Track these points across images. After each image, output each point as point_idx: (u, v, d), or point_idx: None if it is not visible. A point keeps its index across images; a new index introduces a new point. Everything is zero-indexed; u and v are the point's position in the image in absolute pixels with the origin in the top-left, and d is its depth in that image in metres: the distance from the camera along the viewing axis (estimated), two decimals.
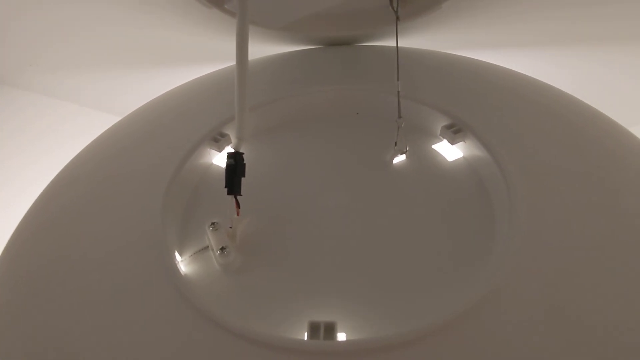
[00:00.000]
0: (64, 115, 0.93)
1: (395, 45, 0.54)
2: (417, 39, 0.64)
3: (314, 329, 0.34)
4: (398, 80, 0.51)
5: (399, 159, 0.51)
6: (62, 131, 0.91)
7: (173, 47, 0.73)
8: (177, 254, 0.43)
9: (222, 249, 0.42)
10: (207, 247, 0.43)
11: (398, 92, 0.51)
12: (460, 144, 0.50)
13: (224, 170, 0.43)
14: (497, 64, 0.60)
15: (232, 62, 0.68)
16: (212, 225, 0.44)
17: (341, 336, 0.35)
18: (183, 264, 0.43)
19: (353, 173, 0.50)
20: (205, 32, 0.65)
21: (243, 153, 0.44)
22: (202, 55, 0.74)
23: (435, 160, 0.51)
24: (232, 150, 0.44)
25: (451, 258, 0.41)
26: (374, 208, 0.47)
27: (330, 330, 0.34)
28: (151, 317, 0.36)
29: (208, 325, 0.34)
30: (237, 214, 0.44)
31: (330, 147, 0.54)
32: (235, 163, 0.43)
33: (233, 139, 0.53)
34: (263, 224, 0.46)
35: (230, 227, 0.43)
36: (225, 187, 0.43)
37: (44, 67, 0.84)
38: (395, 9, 0.53)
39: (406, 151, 0.51)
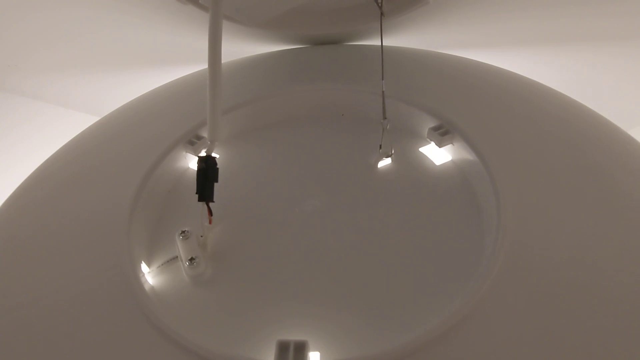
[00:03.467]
0: (48, 117, 0.91)
1: (385, 43, 0.51)
2: (403, 38, 0.62)
3: (282, 349, 0.31)
4: (382, 79, 0.48)
5: (384, 162, 0.49)
6: (46, 133, 0.89)
7: (155, 48, 0.71)
8: (144, 265, 0.40)
9: (192, 259, 0.39)
10: (177, 257, 0.41)
11: (382, 92, 0.48)
12: (448, 146, 0.48)
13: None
14: (486, 62, 0.58)
15: None
16: (182, 234, 0.41)
17: (314, 356, 0.32)
18: (150, 275, 0.40)
19: (335, 177, 0.48)
20: (183, 31, 0.63)
21: (216, 157, 0.42)
22: (185, 55, 0.71)
23: (423, 164, 0.48)
24: (204, 154, 0.41)
25: (438, 266, 0.38)
26: (356, 215, 0.44)
27: (300, 350, 0.31)
28: (111, 335, 0.34)
29: (169, 345, 0.32)
30: (210, 222, 0.41)
31: (312, 149, 0.51)
32: (207, 167, 0.41)
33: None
34: (237, 232, 0.43)
35: (202, 236, 0.41)
36: (196, 193, 0.41)
37: (28, 70, 0.82)
38: (380, 4, 0.50)
39: (391, 154, 0.48)
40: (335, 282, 0.39)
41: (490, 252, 0.36)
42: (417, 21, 0.57)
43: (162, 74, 0.73)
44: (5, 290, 0.39)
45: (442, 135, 0.47)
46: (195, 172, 0.41)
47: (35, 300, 0.37)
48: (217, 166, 0.41)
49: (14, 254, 0.42)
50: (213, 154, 0.41)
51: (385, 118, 0.48)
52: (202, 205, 0.41)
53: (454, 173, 0.47)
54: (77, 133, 0.60)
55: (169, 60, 0.74)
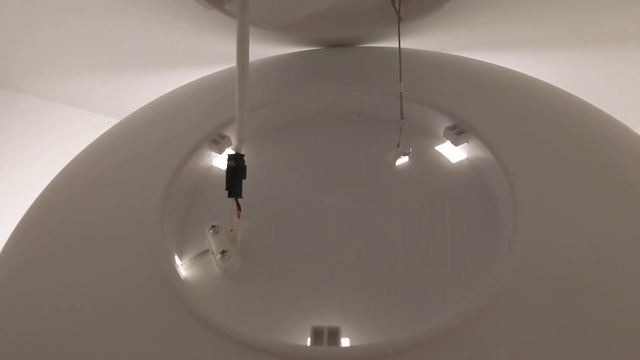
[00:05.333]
0: (65, 118, 0.93)
1: (397, 46, 0.53)
2: (418, 41, 0.64)
3: (317, 335, 0.33)
4: (400, 81, 0.50)
5: (402, 160, 0.51)
6: (64, 134, 0.91)
7: (174, 50, 0.72)
8: (176, 258, 0.42)
9: (223, 252, 0.41)
10: (207, 250, 0.43)
11: (400, 93, 0.50)
12: (464, 145, 0.50)
13: (224, 173, 0.43)
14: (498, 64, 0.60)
15: (232, 63, 0.68)
16: (213, 229, 0.43)
17: (345, 341, 0.34)
18: (182, 267, 0.42)
19: (353, 175, 0.50)
20: (206, 34, 0.65)
21: (244, 155, 0.44)
22: (203, 57, 0.73)
23: (439, 162, 0.50)
24: (233, 152, 0.43)
25: (456, 261, 0.40)
26: (377, 210, 0.46)
27: (334, 335, 0.33)
28: (149, 324, 0.35)
29: (208, 332, 0.33)
30: (238, 217, 0.43)
31: (330, 149, 0.53)
32: (236, 165, 0.43)
33: (233, 141, 0.52)
34: (264, 226, 0.45)
35: (231, 230, 0.43)
36: (226, 190, 0.43)
37: (48, 72, 0.84)
38: (397, 9, 0.52)
39: (409, 153, 0.50)
40: (357, 274, 0.41)
41: (508, 246, 0.37)
42: (432, 25, 0.59)
43: (177, 76, 0.75)
44: (44, 291, 0.41)
45: (457, 134, 0.49)
46: (225, 170, 0.43)
47: (79, 299, 0.39)
48: (245, 164, 0.44)
49: (50, 253, 0.44)
50: (241, 152, 0.43)
51: (402, 118, 0.50)
52: (231, 201, 0.43)
53: (469, 171, 0.49)
54: (94, 134, 0.62)
55: (186, 62, 0.76)
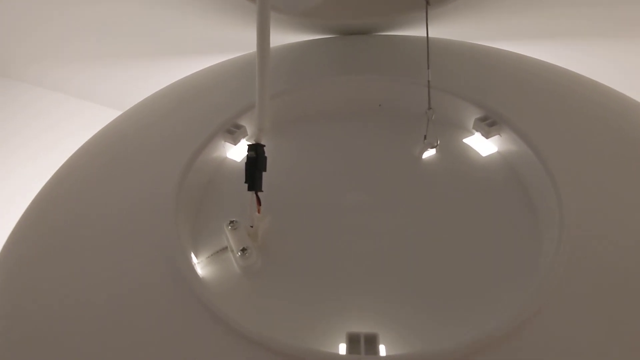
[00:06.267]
0: (69, 110, 0.90)
1: (417, 35, 0.50)
2: (445, 29, 0.60)
3: (353, 342, 0.30)
4: (428, 68, 0.47)
5: (429, 153, 0.48)
6: (66, 127, 0.88)
7: (184, 37, 0.69)
8: (192, 256, 0.39)
9: (244, 249, 0.38)
10: (226, 247, 0.40)
11: (428, 81, 0.47)
12: (495, 137, 0.47)
13: (243, 165, 0.40)
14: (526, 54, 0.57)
15: (242, 52, 0.65)
16: (231, 224, 0.40)
17: (382, 349, 0.31)
18: (199, 266, 0.39)
19: (377, 168, 0.47)
20: (220, 20, 0.62)
21: (264, 145, 0.41)
22: (214, 46, 0.70)
23: (468, 156, 0.48)
24: (252, 142, 0.40)
25: (495, 262, 0.38)
26: (405, 206, 0.43)
27: (371, 342, 0.30)
28: (168, 328, 0.32)
29: (233, 338, 0.30)
30: (258, 212, 0.40)
31: (352, 140, 0.50)
32: (257, 156, 0.40)
33: (249, 131, 0.49)
34: (282, 224, 0.42)
35: (252, 226, 0.40)
36: (245, 183, 0.40)
37: (51, 61, 0.81)
38: None
39: (437, 145, 0.47)
40: (389, 275, 0.38)
41: (556, 246, 0.35)
42: (460, 10, 0.56)
43: (187, 67, 0.72)
44: (57, 286, 0.38)
45: (489, 125, 0.46)
46: (244, 162, 0.40)
47: (93, 294, 0.36)
48: (266, 155, 0.41)
49: (58, 246, 0.41)
50: (261, 142, 0.41)
51: (430, 108, 0.47)
52: (251, 195, 0.40)
53: (501, 164, 0.46)
54: (98, 127, 0.59)
55: (196, 51, 0.73)
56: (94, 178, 0.48)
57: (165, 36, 0.69)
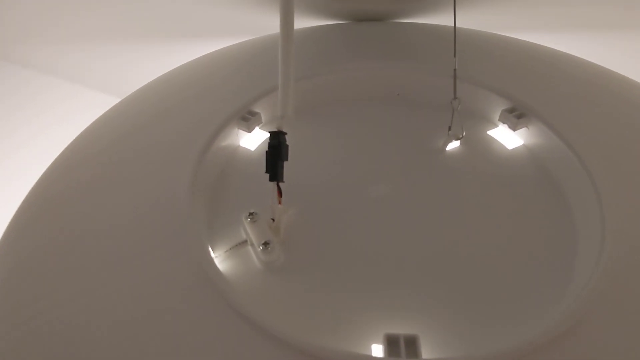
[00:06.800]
0: (60, 95, 0.86)
1: (434, 23, 0.48)
2: (470, 20, 0.58)
3: (391, 344, 0.28)
4: (455, 56, 0.45)
5: (453, 145, 0.46)
6: (63, 109, 0.84)
7: (187, 17, 0.65)
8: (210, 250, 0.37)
9: (265, 243, 0.36)
10: (245, 241, 0.37)
11: (454, 70, 0.45)
12: (521, 130, 0.45)
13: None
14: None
15: (253, 36, 0.61)
16: (250, 216, 0.38)
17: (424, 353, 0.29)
18: (217, 260, 0.36)
19: (400, 160, 0.45)
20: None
21: (286, 133, 0.38)
22: (222, 28, 0.66)
23: (492, 148, 0.46)
24: (275, 130, 0.38)
25: (532, 261, 0.36)
26: (430, 202, 0.41)
27: (411, 345, 0.28)
28: (190, 325, 0.30)
29: (262, 339, 0.28)
30: (279, 203, 0.38)
31: (371, 130, 0.48)
32: (279, 144, 0.37)
33: (264, 118, 0.47)
34: (303, 217, 0.40)
35: (273, 219, 0.37)
36: (267, 173, 0.37)
37: (46, 41, 0.76)
38: None
39: (462, 137, 0.45)
40: (422, 274, 0.36)
41: (599, 248, 0.33)
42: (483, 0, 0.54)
43: (192, 50, 0.68)
44: (69, 279, 0.35)
45: (517, 117, 0.45)
46: (265, 150, 0.37)
47: (111, 289, 0.33)
48: (287, 143, 0.38)
49: (72, 239, 0.38)
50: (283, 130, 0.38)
51: (455, 98, 0.45)
52: (272, 185, 0.37)
53: (528, 158, 0.44)
54: (92, 113, 0.56)
55: (200, 33, 0.69)
56: (100, 174, 0.45)
57: (165, 15, 0.65)
